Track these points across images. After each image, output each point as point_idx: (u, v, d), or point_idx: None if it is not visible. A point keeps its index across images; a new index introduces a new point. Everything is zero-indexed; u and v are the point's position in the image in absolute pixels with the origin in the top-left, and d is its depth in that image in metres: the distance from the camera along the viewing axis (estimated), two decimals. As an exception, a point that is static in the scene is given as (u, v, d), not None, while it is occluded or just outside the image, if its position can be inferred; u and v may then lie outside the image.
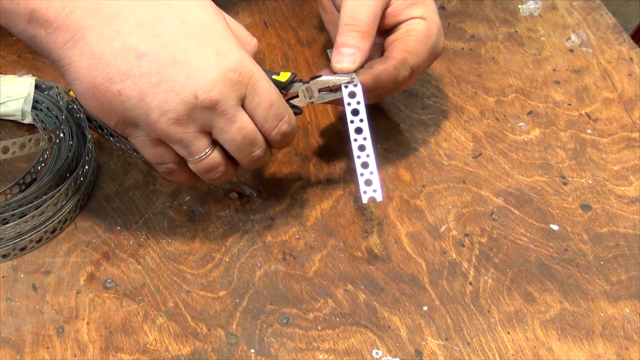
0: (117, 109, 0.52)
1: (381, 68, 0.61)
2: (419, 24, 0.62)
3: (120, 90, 0.51)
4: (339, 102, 0.60)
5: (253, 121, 0.55)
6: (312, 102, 0.60)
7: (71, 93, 0.69)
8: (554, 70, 0.78)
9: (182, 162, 0.56)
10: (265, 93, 0.54)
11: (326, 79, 0.60)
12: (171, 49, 0.51)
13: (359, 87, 0.60)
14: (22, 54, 0.75)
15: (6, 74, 0.70)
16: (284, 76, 0.59)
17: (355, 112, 0.59)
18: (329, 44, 0.79)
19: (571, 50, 0.80)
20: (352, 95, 0.60)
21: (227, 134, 0.54)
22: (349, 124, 0.59)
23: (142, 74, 0.51)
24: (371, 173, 0.59)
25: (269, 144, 0.57)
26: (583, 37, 0.81)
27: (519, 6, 0.85)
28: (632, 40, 0.81)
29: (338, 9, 0.63)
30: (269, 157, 0.58)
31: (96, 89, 0.51)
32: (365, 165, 0.59)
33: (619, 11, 1.76)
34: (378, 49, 0.64)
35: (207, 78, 0.52)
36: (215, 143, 0.55)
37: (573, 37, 0.81)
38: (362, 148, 0.59)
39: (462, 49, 0.79)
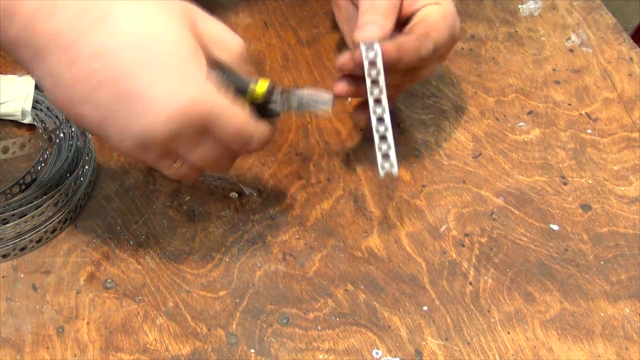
0: (83, 125, 0.53)
1: (404, 39, 0.60)
2: (435, 8, 0.62)
3: (80, 113, 0.51)
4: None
5: (220, 142, 0.54)
6: (289, 112, 0.58)
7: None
8: (554, 70, 0.78)
9: None
10: (229, 124, 0.53)
11: (305, 94, 0.57)
12: (127, 81, 0.49)
13: (379, 55, 0.58)
14: (22, 54, 0.75)
15: (6, 74, 0.70)
16: (261, 87, 0.55)
17: (375, 83, 0.59)
18: (329, 43, 0.79)
19: (571, 50, 0.80)
20: (372, 64, 0.58)
21: (190, 158, 0.54)
22: (369, 95, 0.58)
23: (99, 103, 0.50)
24: (389, 147, 0.58)
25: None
26: (583, 37, 0.81)
27: (519, 6, 0.85)
28: (632, 40, 0.81)
29: (355, 4, 0.63)
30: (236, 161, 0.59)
31: (60, 105, 0.51)
32: (383, 139, 0.58)
33: (619, 11, 1.76)
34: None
35: (160, 117, 0.50)
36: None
37: (573, 37, 0.81)
38: (380, 120, 0.58)
39: (462, 49, 0.79)
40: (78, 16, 0.48)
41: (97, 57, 0.49)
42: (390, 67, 0.60)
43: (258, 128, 0.55)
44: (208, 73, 0.52)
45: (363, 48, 0.59)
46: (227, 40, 0.55)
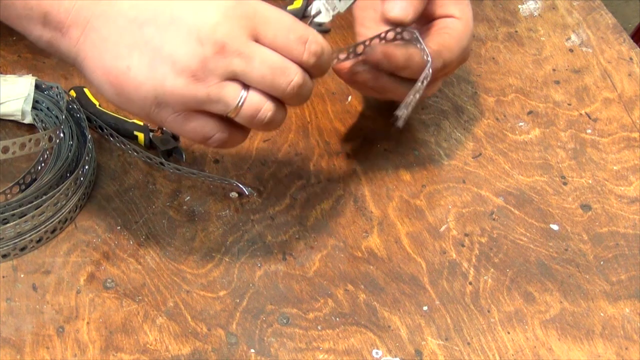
0: (134, 90, 0.51)
1: (415, 51, 0.60)
2: (455, 23, 0.62)
3: (129, 65, 0.50)
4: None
5: (276, 46, 0.52)
6: (338, 13, 0.57)
7: (72, 93, 0.69)
8: (554, 70, 0.78)
9: (226, 125, 0.54)
10: (278, 21, 0.52)
11: None
12: (168, 9, 0.51)
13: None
14: (22, 54, 0.75)
15: (6, 74, 0.70)
16: (297, 2, 0.56)
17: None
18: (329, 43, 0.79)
19: (571, 50, 0.80)
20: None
21: (252, 72, 0.51)
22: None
23: (146, 42, 0.51)
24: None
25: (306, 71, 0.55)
26: (583, 37, 0.81)
27: (519, 6, 0.85)
28: (632, 40, 0.81)
29: None
30: (311, 85, 0.55)
31: (108, 72, 0.51)
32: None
33: (619, 11, 1.76)
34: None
35: (206, 23, 0.50)
36: (247, 86, 0.52)
37: (573, 37, 0.81)
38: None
39: (462, 49, 0.79)
40: None
41: (136, 3, 0.51)
42: (395, 72, 0.60)
43: (311, 29, 0.54)
44: None
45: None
46: None
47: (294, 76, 0.52)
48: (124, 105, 0.53)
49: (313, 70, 0.54)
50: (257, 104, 0.52)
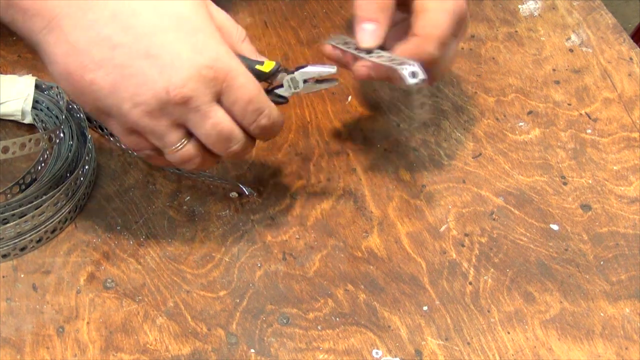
0: (90, 97, 0.52)
1: (401, 49, 0.59)
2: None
3: (93, 79, 0.51)
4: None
5: (231, 116, 0.54)
6: (297, 93, 0.59)
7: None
8: (554, 70, 0.78)
9: (158, 149, 0.55)
10: (243, 90, 0.53)
11: (310, 70, 0.58)
12: (145, 42, 0.50)
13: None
14: (22, 54, 0.75)
15: (6, 74, 0.70)
16: (268, 66, 0.57)
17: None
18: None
19: (571, 50, 0.80)
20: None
21: (201, 129, 0.53)
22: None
23: (115, 65, 0.50)
24: (412, 65, 0.56)
25: (251, 136, 0.56)
26: (583, 37, 0.81)
27: (519, 6, 0.85)
28: (632, 40, 0.81)
29: None
30: (250, 150, 0.57)
31: (70, 75, 0.51)
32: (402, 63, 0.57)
33: (619, 11, 1.76)
34: (401, 29, 0.62)
35: (179, 75, 0.51)
36: (190, 134, 0.54)
37: (573, 37, 0.81)
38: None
39: (462, 49, 0.79)
40: None
41: (115, 19, 0.50)
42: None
43: (269, 103, 0.55)
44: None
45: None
46: (231, 29, 0.56)
47: (235, 145, 0.55)
48: (75, 99, 0.54)
49: (257, 137, 0.57)
50: (190, 155, 0.55)
